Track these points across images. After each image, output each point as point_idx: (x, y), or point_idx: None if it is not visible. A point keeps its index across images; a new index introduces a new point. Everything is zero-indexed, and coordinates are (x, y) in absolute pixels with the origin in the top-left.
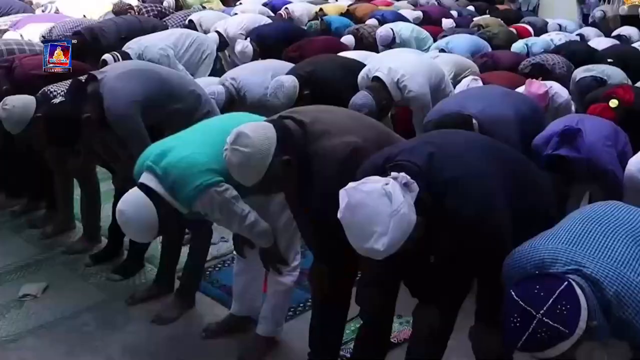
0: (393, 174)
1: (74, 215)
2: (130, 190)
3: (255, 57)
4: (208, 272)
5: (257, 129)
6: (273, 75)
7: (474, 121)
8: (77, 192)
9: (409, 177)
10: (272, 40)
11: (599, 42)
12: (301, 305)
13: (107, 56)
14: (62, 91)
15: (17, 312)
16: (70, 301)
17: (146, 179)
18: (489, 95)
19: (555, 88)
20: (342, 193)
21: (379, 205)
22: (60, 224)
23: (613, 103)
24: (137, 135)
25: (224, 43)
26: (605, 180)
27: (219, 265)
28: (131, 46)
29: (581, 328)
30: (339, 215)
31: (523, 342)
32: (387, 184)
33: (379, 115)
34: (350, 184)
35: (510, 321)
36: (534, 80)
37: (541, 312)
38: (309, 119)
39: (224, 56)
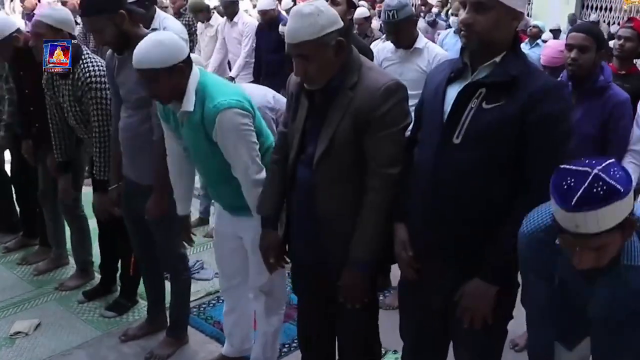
0: None
1: (66, 251)
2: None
3: None
4: (202, 309)
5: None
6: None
7: None
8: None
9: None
10: None
11: None
12: (295, 340)
13: None
14: None
15: (9, 350)
16: (63, 338)
17: None
18: None
19: None
20: None
21: None
22: (54, 260)
23: None
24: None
25: None
26: None
27: (213, 302)
28: None
29: (632, 190)
30: None
31: (578, 198)
32: None
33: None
34: None
35: (563, 185)
36: None
37: (598, 168)
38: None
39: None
